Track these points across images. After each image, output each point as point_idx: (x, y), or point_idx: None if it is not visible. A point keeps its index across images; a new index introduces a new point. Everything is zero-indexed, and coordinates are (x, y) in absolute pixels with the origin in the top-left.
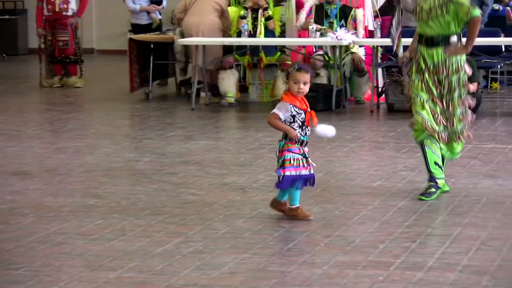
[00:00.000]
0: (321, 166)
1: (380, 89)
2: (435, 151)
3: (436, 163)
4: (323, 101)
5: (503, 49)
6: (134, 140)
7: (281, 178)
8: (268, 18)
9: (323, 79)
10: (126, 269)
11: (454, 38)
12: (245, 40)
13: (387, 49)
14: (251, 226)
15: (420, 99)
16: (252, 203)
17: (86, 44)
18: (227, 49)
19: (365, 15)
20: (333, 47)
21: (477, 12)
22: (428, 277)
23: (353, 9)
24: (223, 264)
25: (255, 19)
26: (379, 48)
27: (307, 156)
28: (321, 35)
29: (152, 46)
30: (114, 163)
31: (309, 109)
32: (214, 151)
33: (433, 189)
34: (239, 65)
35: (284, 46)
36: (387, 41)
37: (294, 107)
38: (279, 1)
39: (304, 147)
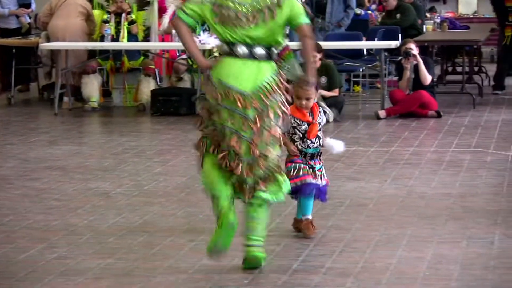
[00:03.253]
0: (185, 170)
1: None
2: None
3: None
4: (187, 105)
5: (365, 53)
6: None
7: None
8: (131, 23)
9: (186, 83)
10: None
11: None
12: (107, 45)
13: None
14: (115, 231)
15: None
16: (116, 208)
17: None
18: (92, 54)
19: None
20: None
21: None
22: (293, 279)
23: None
24: (87, 270)
25: (118, 24)
26: None
27: (314, 167)
28: None
29: (14, 50)
30: None
31: (315, 121)
32: (77, 156)
33: None
34: (102, 69)
35: (147, 50)
36: None
37: (295, 118)
38: (142, 5)
39: (313, 160)
